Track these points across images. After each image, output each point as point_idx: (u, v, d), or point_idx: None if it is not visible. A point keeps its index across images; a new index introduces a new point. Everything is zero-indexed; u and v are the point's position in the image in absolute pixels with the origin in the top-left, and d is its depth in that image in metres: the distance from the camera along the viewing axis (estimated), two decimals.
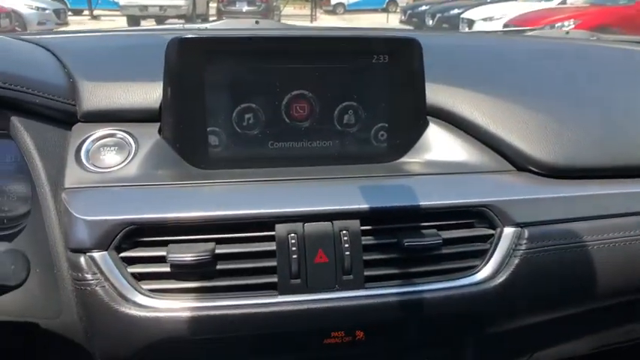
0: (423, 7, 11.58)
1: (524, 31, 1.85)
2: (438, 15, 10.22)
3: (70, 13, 10.91)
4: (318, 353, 0.70)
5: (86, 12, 12.23)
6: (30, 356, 0.70)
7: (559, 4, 8.40)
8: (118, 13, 11.10)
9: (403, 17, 12.88)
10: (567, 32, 1.56)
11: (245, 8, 11.85)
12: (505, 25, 6.59)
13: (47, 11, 9.01)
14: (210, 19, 11.39)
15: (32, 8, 8.68)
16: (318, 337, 0.67)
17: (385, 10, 16.84)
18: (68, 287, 0.63)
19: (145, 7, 10.75)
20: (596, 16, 6.59)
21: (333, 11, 18.06)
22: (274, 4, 12.44)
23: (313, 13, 14.34)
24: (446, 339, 0.76)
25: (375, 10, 17.37)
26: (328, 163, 0.72)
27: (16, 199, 0.77)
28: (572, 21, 6.43)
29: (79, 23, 11.06)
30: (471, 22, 8.27)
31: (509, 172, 0.74)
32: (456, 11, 9.65)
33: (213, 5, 13.17)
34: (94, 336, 0.63)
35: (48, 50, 0.79)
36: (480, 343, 0.76)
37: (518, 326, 0.75)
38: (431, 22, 10.43)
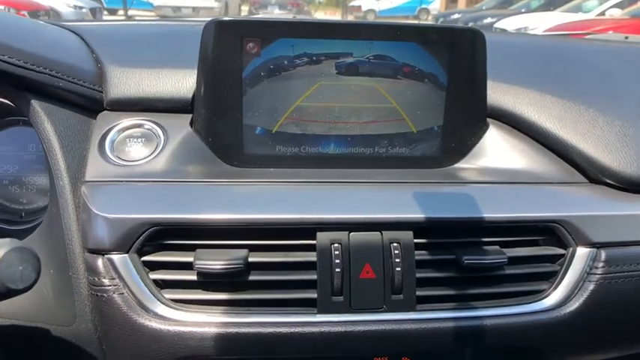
0: (456, 16, 11.43)
1: (576, 36, 1.74)
2: (470, 24, 10.06)
3: (105, 12, 11.16)
4: None
5: (121, 12, 12.49)
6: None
7: (597, 15, 8.17)
8: (151, 13, 11.29)
9: None
10: (627, 37, 1.45)
11: (276, 11, 11.94)
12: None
13: (84, 10, 9.22)
14: None
15: (70, 7, 8.91)
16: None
17: (417, 18, 16.73)
18: (84, 292, 0.57)
19: (179, 8, 10.95)
20: (638, 28, 6.37)
21: (363, 17, 18.04)
22: (305, 8, 12.50)
23: (344, 19, 14.33)
24: None
25: (406, 17, 17.27)
26: (376, 166, 0.65)
27: (35, 191, 0.72)
28: (611, 32, 6.23)
29: None
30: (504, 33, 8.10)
31: (582, 184, 0.65)
32: (489, 20, 9.47)
33: (245, 8, 13.31)
34: (109, 349, 0.57)
35: (77, 35, 0.74)
36: None
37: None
38: None
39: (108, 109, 0.66)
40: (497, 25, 8.68)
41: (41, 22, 0.84)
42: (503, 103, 0.69)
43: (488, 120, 0.68)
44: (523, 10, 10.15)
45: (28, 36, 0.66)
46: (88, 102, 0.65)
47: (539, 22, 7.75)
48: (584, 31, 5.77)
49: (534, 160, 0.66)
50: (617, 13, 7.85)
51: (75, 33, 0.76)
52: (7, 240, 0.46)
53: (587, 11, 8.67)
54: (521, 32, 7.31)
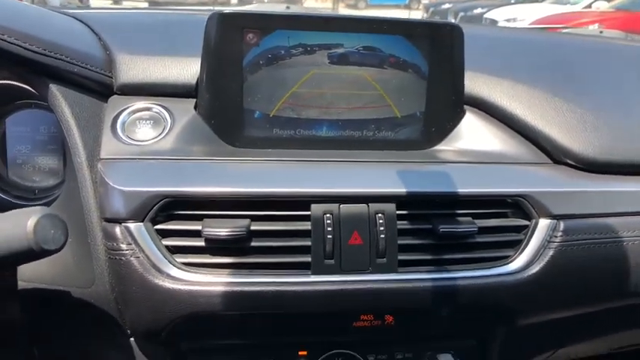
0: (446, 5, 11.46)
1: (554, 29, 1.82)
2: (461, 14, 10.11)
3: None
4: (347, 336, 0.69)
5: None
6: (60, 325, 0.71)
7: (584, 7, 8.27)
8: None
9: (425, 14, 12.77)
10: (601, 31, 1.53)
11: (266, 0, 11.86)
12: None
13: None
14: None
15: None
16: (348, 320, 0.67)
17: (407, 7, 16.70)
18: (101, 257, 0.63)
19: None
20: (623, 21, 6.48)
21: (354, 6, 17.93)
22: None
23: (335, 7, 14.28)
24: (473, 330, 0.75)
25: (397, 7, 17.22)
26: (363, 148, 0.71)
27: (47, 170, 0.78)
28: (597, 25, 6.32)
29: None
30: (494, 23, 8.17)
31: (546, 164, 0.73)
32: (479, 10, 9.54)
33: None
34: (126, 307, 0.63)
35: (83, 22, 0.79)
36: (507, 336, 0.75)
37: (546, 320, 0.74)
38: (453, 20, 10.33)
39: (118, 94, 0.71)
40: (487, 15, 8.75)
41: (48, 9, 0.89)
42: (479, 92, 0.76)
43: (465, 107, 0.75)
44: (512, 1, 10.21)
45: (42, 24, 0.71)
46: (99, 87, 0.70)
47: (528, 14, 7.84)
48: (569, 24, 5.87)
49: (505, 143, 0.74)
50: (603, 5, 7.95)
51: (80, 21, 0.81)
52: (39, 207, 0.52)
53: (574, 3, 8.76)
54: (505, 25, 7.39)
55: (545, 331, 0.77)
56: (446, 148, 0.74)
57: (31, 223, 0.50)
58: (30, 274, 0.65)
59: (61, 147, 0.76)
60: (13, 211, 0.52)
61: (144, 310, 0.62)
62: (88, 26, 0.79)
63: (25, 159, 0.77)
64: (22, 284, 0.65)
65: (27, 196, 0.76)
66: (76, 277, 0.65)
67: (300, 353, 0.72)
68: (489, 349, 0.76)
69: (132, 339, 0.68)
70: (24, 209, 0.52)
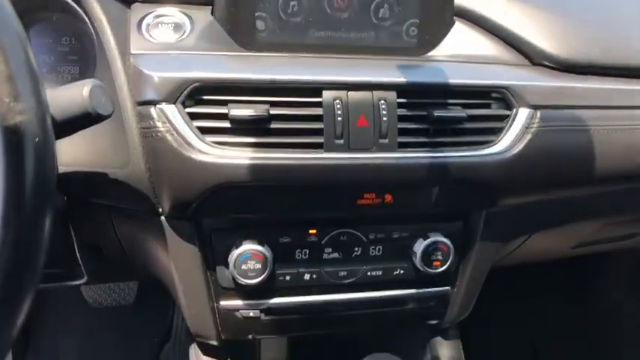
0: None
1: None
2: None
3: None
4: (352, 213, 0.79)
5: None
6: (96, 206, 0.79)
7: None
8: None
9: None
10: None
11: None
12: None
13: None
14: None
15: None
16: (354, 197, 0.76)
17: None
18: (136, 139, 0.70)
19: None
20: None
21: None
22: None
23: None
24: (460, 213, 0.86)
25: None
26: (363, 53, 0.79)
27: (70, 79, 0.84)
28: None
29: None
30: None
31: (527, 65, 0.83)
32: None
33: None
34: (160, 181, 0.71)
35: None
36: (488, 217, 0.86)
37: (524, 203, 0.85)
38: None
39: (140, 1, 0.78)
40: None
41: None
42: (467, 4, 0.85)
43: (455, 18, 0.84)
44: None
45: None
46: None
47: None
48: None
49: (491, 48, 0.83)
50: None
51: None
52: (90, 79, 0.60)
53: None
54: None
55: (522, 215, 0.88)
56: (438, 54, 0.83)
57: (86, 90, 0.57)
58: (68, 159, 0.72)
59: (82, 57, 0.82)
60: (70, 84, 0.59)
61: (176, 183, 0.70)
62: None
63: (49, 68, 0.83)
64: (62, 169, 0.72)
65: None
66: (112, 159, 0.73)
67: (310, 232, 0.81)
68: (474, 229, 0.87)
69: (162, 217, 0.77)
70: (77, 82, 0.59)
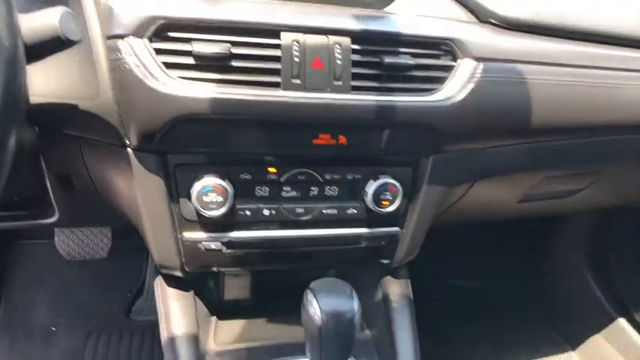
0: None
1: None
2: None
3: None
4: (308, 152, 0.85)
5: None
6: (67, 137, 0.83)
7: None
8: None
9: None
10: None
11: None
12: None
13: None
14: None
15: None
16: (309, 136, 0.82)
17: None
18: (105, 71, 0.75)
19: None
20: None
21: None
22: None
23: None
24: (409, 160, 0.93)
25: None
26: (324, 2, 0.85)
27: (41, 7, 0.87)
28: None
29: None
30: None
31: (475, 22, 0.90)
32: None
33: None
34: (128, 113, 0.76)
35: None
36: (434, 164, 0.93)
37: (468, 149, 0.93)
38: None
39: None
40: None
41: None
42: None
43: None
44: None
45: None
46: None
47: None
48: None
49: (443, 5, 0.91)
50: None
51: None
52: (60, 7, 0.64)
53: None
54: None
55: (465, 162, 0.96)
56: (395, 8, 0.88)
57: (57, 16, 0.62)
58: (39, 90, 0.77)
59: None
60: (41, 10, 0.64)
61: (142, 114, 0.75)
62: None
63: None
64: (33, 99, 0.76)
65: None
66: (82, 91, 0.77)
67: (270, 170, 0.88)
68: (421, 174, 0.94)
69: (129, 150, 0.82)
70: (49, 8, 0.63)
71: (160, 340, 1.03)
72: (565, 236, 2.03)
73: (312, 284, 0.80)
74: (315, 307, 0.76)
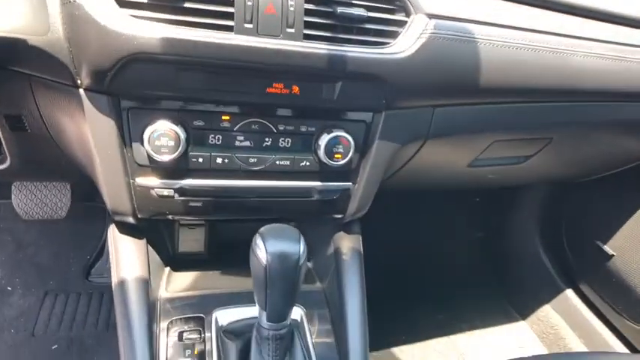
0: None
1: None
2: None
3: None
4: (262, 99, 0.86)
5: None
6: (17, 75, 0.82)
7: None
8: None
9: None
10: None
11: None
12: None
13: None
14: None
15: None
16: (263, 84, 0.84)
17: None
18: (56, 6, 0.74)
19: None
20: None
21: None
22: None
23: None
24: (361, 118, 0.95)
25: None
26: None
27: None
28: None
29: None
30: None
31: None
32: None
33: None
34: (79, 49, 0.75)
35: None
36: (386, 120, 0.95)
37: (419, 106, 0.95)
38: None
39: None
40: None
41: None
42: None
43: None
44: None
45: None
46: None
47: None
48: None
49: None
50: None
51: None
52: None
53: None
54: None
55: (416, 120, 0.99)
56: None
57: None
58: None
59: None
60: None
61: (93, 51, 0.75)
62: None
63: None
64: None
65: None
66: (32, 26, 0.76)
67: (223, 118, 0.89)
68: (373, 129, 0.96)
69: (81, 90, 0.81)
70: None
71: None
72: (519, 209, 2.11)
73: (262, 229, 0.81)
74: (261, 249, 0.77)
